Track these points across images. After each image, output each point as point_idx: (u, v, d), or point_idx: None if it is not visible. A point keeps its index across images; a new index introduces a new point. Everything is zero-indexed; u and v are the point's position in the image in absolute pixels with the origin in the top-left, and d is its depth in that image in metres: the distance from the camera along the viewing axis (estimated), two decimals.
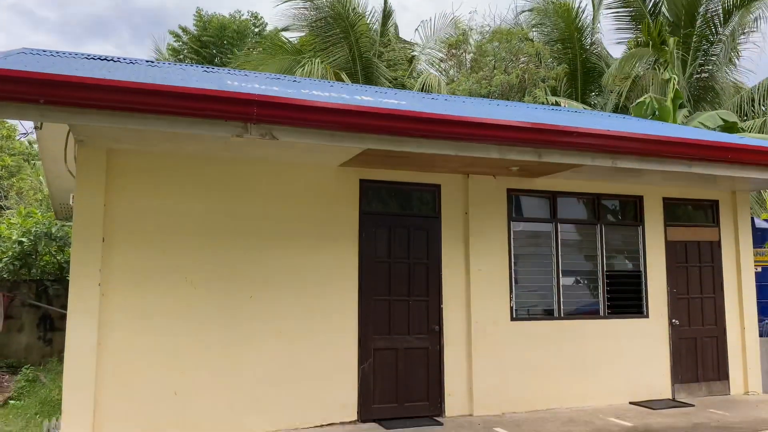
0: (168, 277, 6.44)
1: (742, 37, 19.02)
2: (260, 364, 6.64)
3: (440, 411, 7.35)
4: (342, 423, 6.89)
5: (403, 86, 18.68)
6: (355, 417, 6.97)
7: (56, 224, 12.80)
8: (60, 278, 12.53)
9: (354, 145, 6.00)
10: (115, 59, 8.52)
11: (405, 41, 21.05)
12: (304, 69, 16.63)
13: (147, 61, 9.35)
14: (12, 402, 8.68)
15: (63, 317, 6.46)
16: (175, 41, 22.78)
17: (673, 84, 14.84)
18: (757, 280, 9.31)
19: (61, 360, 6.47)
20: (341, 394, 6.95)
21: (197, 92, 5.29)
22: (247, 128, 5.48)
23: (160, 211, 6.49)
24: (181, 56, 22.34)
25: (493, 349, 7.60)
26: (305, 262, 6.99)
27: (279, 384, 6.69)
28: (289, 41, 19.84)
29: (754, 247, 9.41)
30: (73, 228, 6.17)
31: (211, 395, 6.43)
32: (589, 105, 19.51)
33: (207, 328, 6.51)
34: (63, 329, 6.15)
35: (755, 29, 18.89)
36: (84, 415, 5.88)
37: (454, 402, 7.41)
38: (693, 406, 8.04)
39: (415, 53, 21.20)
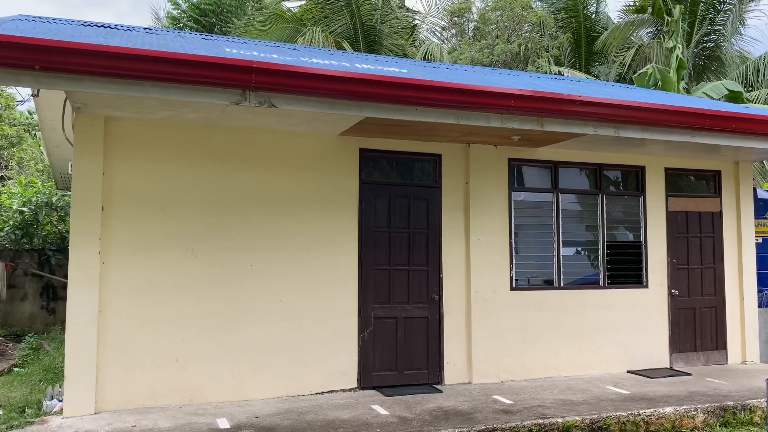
0: (168, 246, 6.45)
1: (752, 3, 18.70)
2: (261, 332, 6.69)
3: (440, 379, 7.42)
4: (342, 390, 6.97)
5: (405, 55, 18.46)
6: (355, 384, 7.04)
7: (56, 194, 12.81)
8: (62, 248, 12.60)
9: (353, 113, 5.94)
10: (112, 26, 8.41)
11: (407, 9, 20.74)
12: (305, 38, 16.42)
13: (145, 29, 9.21)
14: (16, 369, 8.79)
15: (65, 286, 6.49)
16: (174, 9, 22.45)
17: (677, 54, 14.65)
18: (757, 251, 9.30)
19: (64, 328, 6.51)
20: (342, 361, 7.01)
21: (195, 59, 5.22)
22: (245, 96, 5.43)
23: (160, 180, 6.47)
24: (181, 24, 22.02)
25: (493, 318, 7.65)
26: (305, 231, 6.99)
27: (280, 351, 6.75)
28: (289, 10, 19.54)
29: (755, 218, 9.38)
30: (72, 197, 6.16)
31: (213, 363, 6.49)
32: (593, 75, 19.29)
33: (207, 296, 6.54)
34: (65, 298, 6.18)
35: None
36: (86, 382, 5.94)
37: (453, 370, 7.48)
38: (690, 375, 8.11)
39: (417, 22, 20.91)
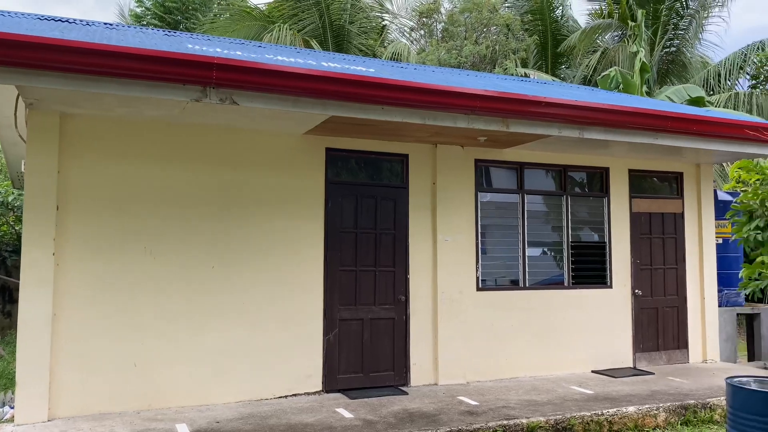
0: (127, 246, 6.26)
1: (716, 9, 19.16)
2: (224, 335, 6.55)
3: (406, 380, 7.37)
4: (307, 393, 6.87)
5: (374, 55, 18.42)
6: (320, 387, 6.94)
7: (12, 193, 12.42)
8: (18, 249, 12.20)
9: (318, 111, 5.85)
10: (71, 20, 8.16)
11: (377, 9, 20.70)
12: (271, 35, 16.24)
13: (105, 24, 8.97)
14: None
15: None
16: (137, 6, 22.02)
17: (640, 57, 14.90)
18: (717, 252, 9.49)
19: None
20: (306, 364, 6.91)
21: (153, 54, 5.07)
22: (206, 92, 5.30)
23: (119, 179, 6.28)
24: (144, 22, 21.63)
25: (459, 318, 7.63)
26: (269, 231, 6.87)
27: (243, 355, 6.61)
28: (257, 7, 19.33)
29: (716, 219, 9.56)
30: (24, 196, 5.94)
31: (173, 367, 6.32)
32: (559, 78, 19.52)
33: (168, 298, 6.37)
34: None
35: (724, 3, 19.03)
36: (39, 388, 5.73)
37: (419, 371, 7.44)
38: (653, 374, 8.21)
39: (386, 22, 20.88)
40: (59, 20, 7.89)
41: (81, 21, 8.35)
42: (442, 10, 19.86)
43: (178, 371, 6.34)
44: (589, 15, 20.16)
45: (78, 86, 4.96)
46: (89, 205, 6.15)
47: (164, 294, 6.36)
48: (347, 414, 6.09)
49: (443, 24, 19.60)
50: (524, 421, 5.91)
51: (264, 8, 19.22)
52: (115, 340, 6.13)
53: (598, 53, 18.38)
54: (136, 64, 5.00)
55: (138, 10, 22.15)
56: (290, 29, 16.88)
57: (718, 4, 19.04)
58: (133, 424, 5.69)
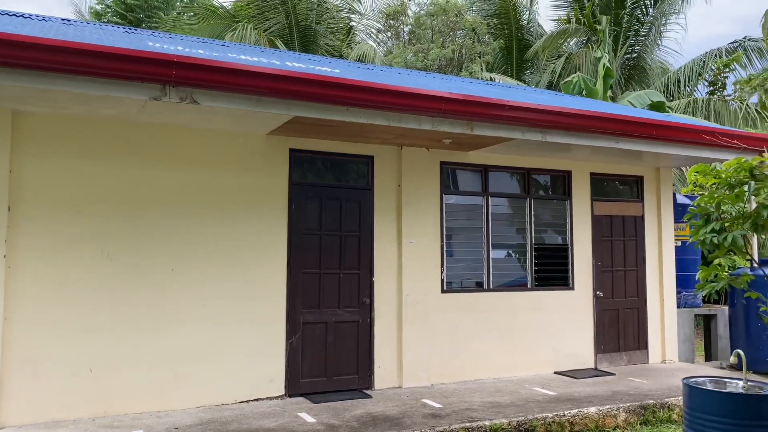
0: (83, 248, 6.08)
1: (673, 16, 19.62)
2: (182, 339, 6.40)
3: (370, 384, 7.32)
4: (269, 398, 6.76)
5: (341, 56, 18.35)
6: (282, 392, 6.85)
7: None
8: None
9: (282, 111, 5.77)
10: (26, 15, 7.92)
11: (344, 9, 20.62)
12: (234, 34, 16.03)
13: (62, 20, 8.73)
14: None
15: None
16: (98, 4, 21.50)
17: (604, 62, 15.16)
18: (676, 254, 9.69)
19: None
20: (268, 368, 6.80)
21: (109, 51, 4.93)
22: (165, 91, 5.17)
23: (75, 179, 6.09)
24: (105, 20, 21.14)
25: (424, 321, 7.61)
26: (231, 233, 6.74)
27: (203, 359, 6.47)
28: (222, 6, 19.09)
29: (675, 222, 9.76)
30: None
31: (130, 372, 6.15)
32: (524, 82, 19.73)
33: (125, 301, 6.20)
34: None
35: (680, 11, 19.52)
36: None
37: (383, 374, 7.39)
38: (614, 375, 8.33)
39: (353, 23, 20.83)
40: (13, 14, 7.64)
41: (37, 16, 8.10)
42: (409, 13, 19.91)
43: (136, 376, 6.17)
44: (555, 21, 20.41)
45: (30, 83, 4.81)
46: (43, 205, 5.94)
47: (121, 297, 6.19)
48: (310, 418, 6.01)
49: (410, 27, 19.65)
50: (487, 423, 5.92)
51: (230, 7, 18.99)
52: (70, 345, 5.94)
53: (563, 58, 18.63)
54: (91, 61, 4.85)
55: (98, 7, 21.64)
56: (255, 29, 16.69)
57: (675, 11, 19.52)
58: (87, 431, 5.52)
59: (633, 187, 9.48)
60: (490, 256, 8.23)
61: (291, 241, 7.06)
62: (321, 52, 18.16)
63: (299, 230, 7.12)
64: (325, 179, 7.42)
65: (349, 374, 7.23)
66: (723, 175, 5.47)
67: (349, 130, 6.78)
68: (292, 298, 7.00)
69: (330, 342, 7.17)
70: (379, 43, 20.40)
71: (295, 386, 6.91)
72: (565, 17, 19.63)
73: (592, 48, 17.66)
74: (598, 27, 16.59)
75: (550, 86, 19.03)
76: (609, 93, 15.85)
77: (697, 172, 5.65)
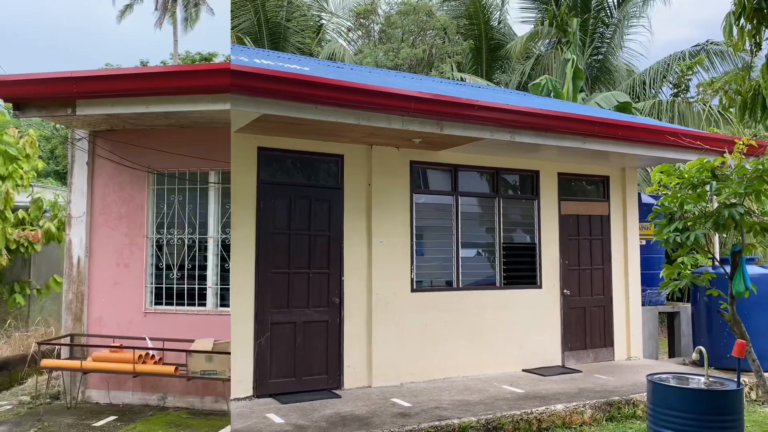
0: None
1: (636, 19, 20.01)
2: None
3: (339, 384, 7.29)
4: (237, 399, 6.69)
5: (311, 54, 18.24)
6: (251, 393, 6.77)
7: None
8: None
9: (251, 109, 5.70)
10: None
11: (314, 7, 20.51)
12: None
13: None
14: None
15: None
16: None
17: (573, 64, 15.36)
18: (641, 253, 9.86)
19: None
20: (236, 369, 6.72)
21: None
22: None
23: None
24: None
25: (394, 320, 7.61)
26: None
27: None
28: None
29: (640, 222, 9.94)
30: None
31: None
32: (494, 82, 19.88)
33: None
34: None
35: (642, 14, 19.95)
36: None
37: (353, 374, 7.37)
38: (580, 372, 8.45)
39: (324, 21, 20.73)
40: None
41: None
42: (380, 12, 19.90)
43: None
44: (524, 23, 20.61)
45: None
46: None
47: None
48: (278, 419, 5.96)
49: (381, 26, 19.64)
50: (456, 421, 5.95)
51: None
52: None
53: (533, 59, 18.83)
54: None
55: None
56: None
57: (637, 15, 19.95)
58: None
59: (599, 186, 9.62)
60: (460, 255, 8.27)
61: (259, 241, 6.99)
62: (291, 50, 18.03)
63: (268, 229, 7.05)
64: (294, 178, 7.36)
65: (318, 374, 7.19)
66: (686, 176, 5.59)
67: (319, 129, 6.74)
68: (260, 298, 6.92)
69: (299, 342, 7.12)
70: (349, 42, 20.35)
71: (263, 387, 6.84)
72: (540, 19, 19.84)
73: (562, 50, 17.89)
74: (569, 29, 16.79)
75: (520, 87, 19.22)
76: (582, 95, 16.08)
77: (661, 172, 5.76)
